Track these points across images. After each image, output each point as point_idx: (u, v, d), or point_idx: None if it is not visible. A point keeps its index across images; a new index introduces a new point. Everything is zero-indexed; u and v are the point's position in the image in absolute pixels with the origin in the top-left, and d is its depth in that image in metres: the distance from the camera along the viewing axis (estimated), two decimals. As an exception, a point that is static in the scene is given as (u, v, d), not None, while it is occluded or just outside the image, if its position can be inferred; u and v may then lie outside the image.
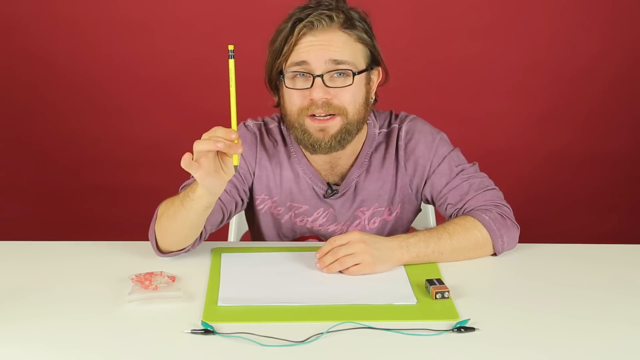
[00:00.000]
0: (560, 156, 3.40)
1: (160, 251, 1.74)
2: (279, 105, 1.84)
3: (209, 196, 1.61)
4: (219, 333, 1.41)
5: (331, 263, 1.65)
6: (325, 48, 1.71)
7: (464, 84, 3.32)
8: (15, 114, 3.32)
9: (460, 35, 3.26)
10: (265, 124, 1.92)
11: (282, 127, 1.90)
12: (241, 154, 1.85)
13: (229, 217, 1.87)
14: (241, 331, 1.41)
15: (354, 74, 1.73)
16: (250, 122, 1.92)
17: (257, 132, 1.90)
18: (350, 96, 1.74)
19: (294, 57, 1.73)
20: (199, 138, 1.51)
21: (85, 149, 3.35)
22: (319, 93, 1.72)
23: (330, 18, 1.72)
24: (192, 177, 1.85)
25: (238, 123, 1.92)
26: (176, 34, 3.23)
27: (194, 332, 1.42)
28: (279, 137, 1.89)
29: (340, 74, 1.73)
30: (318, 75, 1.71)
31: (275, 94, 1.84)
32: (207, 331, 1.42)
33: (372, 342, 1.40)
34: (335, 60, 1.72)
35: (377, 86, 1.84)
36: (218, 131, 1.51)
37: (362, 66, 1.76)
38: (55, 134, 3.34)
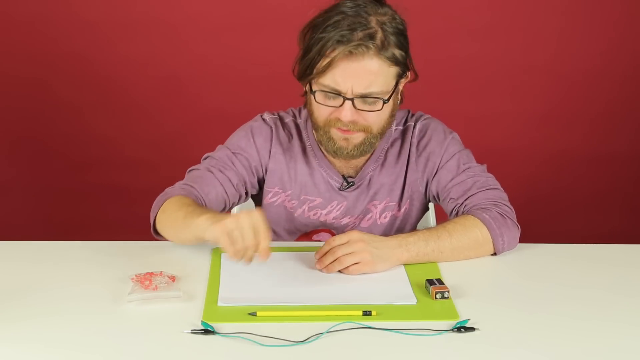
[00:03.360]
0: (562, 157, 3.40)
1: (156, 232, 1.79)
2: (306, 94, 1.83)
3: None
4: (219, 333, 1.41)
5: (330, 263, 1.65)
6: (359, 78, 1.70)
7: (465, 84, 3.32)
8: (20, 112, 3.31)
9: (461, 36, 3.25)
10: (281, 118, 1.94)
11: (298, 121, 1.93)
12: (256, 147, 1.89)
13: (231, 208, 1.91)
14: (241, 331, 1.41)
15: (383, 102, 1.74)
16: (267, 116, 1.94)
17: (273, 126, 1.92)
18: (377, 117, 1.76)
19: (328, 80, 1.71)
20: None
21: (89, 147, 3.34)
22: (347, 115, 1.72)
23: (367, 47, 1.68)
24: (201, 164, 1.87)
25: (254, 116, 1.93)
26: (179, 33, 3.23)
27: (194, 332, 1.42)
28: (294, 131, 1.92)
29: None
30: (349, 99, 1.71)
31: (305, 85, 1.81)
32: (207, 331, 1.42)
33: (372, 342, 1.40)
34: (367, 93, 1.71)
35: (405, 84, 1.83)
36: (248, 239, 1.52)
37: (392, 86, 1.75)
38: (58, 133, 3.33)
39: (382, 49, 1.70)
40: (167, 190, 1.82)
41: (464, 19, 3.24)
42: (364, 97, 1.72)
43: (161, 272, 1.62)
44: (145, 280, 1.57)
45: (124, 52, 3.24)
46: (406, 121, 1.94)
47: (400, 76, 1.77)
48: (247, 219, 1.50)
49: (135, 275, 1.60)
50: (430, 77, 3.27)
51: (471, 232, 1.75)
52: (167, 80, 3.27)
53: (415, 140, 1.91)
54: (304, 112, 1.93)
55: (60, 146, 3.35)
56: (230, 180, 1.85)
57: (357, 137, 1.77)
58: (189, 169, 1.89)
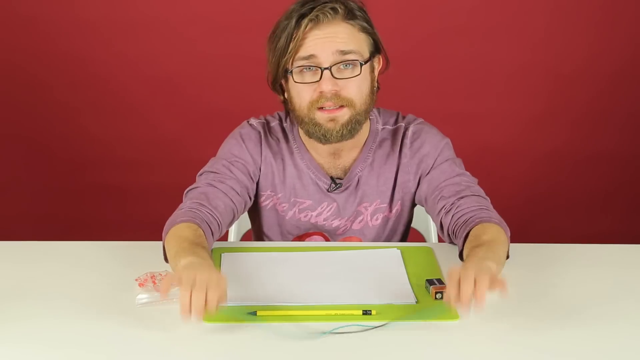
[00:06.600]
0: (558, 156, 3.40)
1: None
2: (285, 102, 1.86)
3: None
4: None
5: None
6: (331, 40, 1.74)
7: (460, 84, 3.32)
8: (17, 112, 3.31)
9: (456, 36, 3.25)
10: (267, 122, 1.95)
11: (284, 125, 1.94)
12: (249, 152, 1.88)
13: (238, 217, 1.89)
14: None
15: (361, 65, 1.76)
16: (254, 121, 1.95)
17: (261, 130, 1.93)
18: (357, 87, 1.77)
19: (302, 52, 1.75)
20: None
21: (86, 148, 3.34)
22: (328, 85, 1.74)
23: (335, 10, 1.74)
24: (200, 182, 1.85)
25: (241, 122, 1.94)
26: (177, 33, 3.23)
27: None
28: (280, 135, 1.93)
29: (347, 65, 1.76)
30: (326, 68, 1.74)
31: (280, 93, 1.86)
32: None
33: (372, 342, 1.40)
34: (342, 51, 1.74)
35: (378, 74, 1.86)
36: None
37: (367, 55, 1.79)
38: (55, 133, 3.33)
39: (348, 15, 1.76)
40: (173, 217, 1.74)
41: (460, 19, 3.24)
42: (339, 61, 1.74)
43: (166, 272, 1.60)
44: (150, 281, 1.56)
45: (122, 52, 3.24)
46: (396, 122, 1.94)
47: (373, 51, 1.81)
48: (205, 279, 1.42)
49: (140, 277, 1.59)
50: (425, 77, 3.31)
51: (499, 233, 1.69)
52: (165, 81, 3.27)
53: (407, 142, 1.90)
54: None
55: (58, 146, 3.35)
56: (233, 189, 1.84)
57: (343, 115, 1.78)
58: (186, 190, 1.83)
